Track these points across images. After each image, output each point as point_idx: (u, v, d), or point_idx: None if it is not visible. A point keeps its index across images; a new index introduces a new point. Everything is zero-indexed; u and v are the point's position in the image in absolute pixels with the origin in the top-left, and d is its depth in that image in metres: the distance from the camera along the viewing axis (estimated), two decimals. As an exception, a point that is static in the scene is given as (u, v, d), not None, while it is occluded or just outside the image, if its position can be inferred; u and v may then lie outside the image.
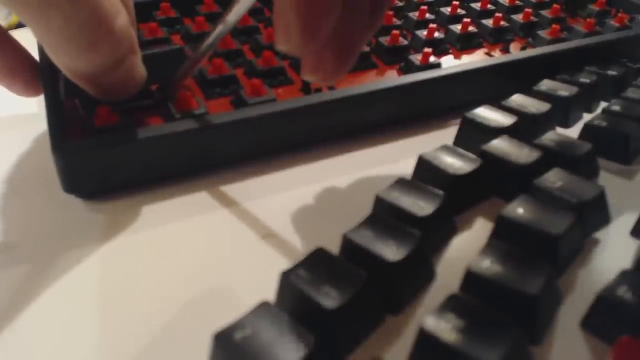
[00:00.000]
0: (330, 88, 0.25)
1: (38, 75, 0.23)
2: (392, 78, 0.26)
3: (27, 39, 0.25)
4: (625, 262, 0.18)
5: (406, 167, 0.22)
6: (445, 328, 0.14)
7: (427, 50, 0.28)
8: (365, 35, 0.19)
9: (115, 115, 0.22)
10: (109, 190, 0.22)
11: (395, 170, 0.21)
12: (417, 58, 0.28)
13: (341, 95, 0.24)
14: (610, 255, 0.18)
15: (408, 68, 0.28)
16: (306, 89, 0.26)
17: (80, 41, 0.18)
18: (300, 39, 0.16)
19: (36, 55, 0.24)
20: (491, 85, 0.27)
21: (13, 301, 0.17)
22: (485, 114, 0.24)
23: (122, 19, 0.19)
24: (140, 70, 0.22)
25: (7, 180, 0.23)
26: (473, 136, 0.23)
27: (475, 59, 0.29)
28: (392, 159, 0.24)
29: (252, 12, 0.32)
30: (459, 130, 0.24)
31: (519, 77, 0.28)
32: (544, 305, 0.15)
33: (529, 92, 0.26)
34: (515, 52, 0.30)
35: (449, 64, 0.28)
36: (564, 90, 0.26)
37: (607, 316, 0.15)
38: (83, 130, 0.22)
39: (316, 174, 0.23)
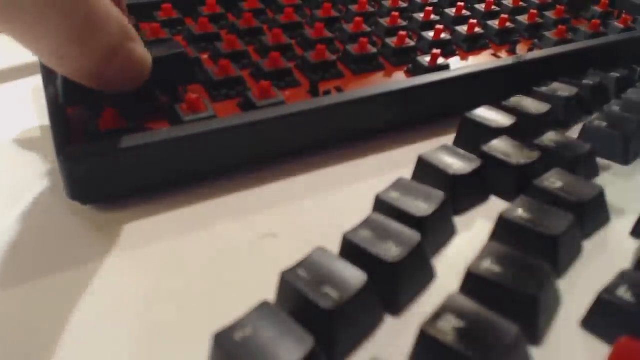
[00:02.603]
0: (339, 90, 0.25)
1: None
2: (403, 80, 0.25)
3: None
4: (625, 262, 0.18)
5: (409, 172, 0.22)
6: (445, 329, 0.14)
7: (436, 51, 0.27)
8: None
9: (121, 119, 0.21)
10: (113, 198, 0.21)
11: (399, 174, 0.21)
12: (425, 59, 0.27)
13: (352, 97, 0.23)
14: (610, 255, 0.18)
15: (416, 69, 0.27)
16: (314, 91, 0.25)
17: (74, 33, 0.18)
18: None
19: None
20: (500, 86, 0.27)
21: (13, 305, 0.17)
22: (485, 114, 0.24)
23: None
24: (142, 56, 0.21)
25: (10, 187, 0.23)
26: (473, 136, 0.23)
27: (483, 61, 0.29)
28: (396, 163, 0.24)
29: (255, 13, 0.32)
30: (459, 130, 0.24)
31: (528, 78, 0.28)
32: (544, 306, 0.15)
33: (529, 92, 0.26)
34: (523, 53, 0.30)
35: (457, 65, 0.28)
36: (563, 90, 0.26)
37: (607, 316, 0.15)
38: (88, 134, 0.21)
39: (316, 181, 0.23)
